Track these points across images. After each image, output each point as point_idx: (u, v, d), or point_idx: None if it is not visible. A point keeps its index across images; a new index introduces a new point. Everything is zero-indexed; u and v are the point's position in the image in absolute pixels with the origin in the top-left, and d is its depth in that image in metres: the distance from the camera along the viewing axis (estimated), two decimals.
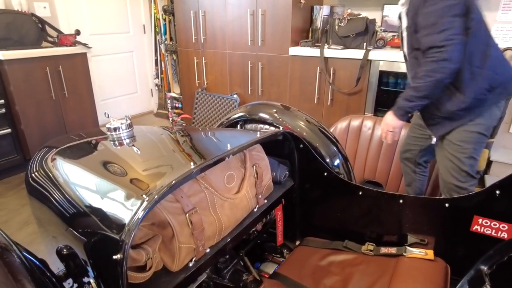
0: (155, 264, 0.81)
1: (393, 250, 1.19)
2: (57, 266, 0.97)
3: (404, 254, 1.16)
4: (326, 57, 2.67)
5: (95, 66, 3.78)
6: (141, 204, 0.70)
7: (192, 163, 0.85)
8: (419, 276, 1.07)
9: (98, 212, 0.80)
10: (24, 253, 0.93)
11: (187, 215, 0.84)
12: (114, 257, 0.65)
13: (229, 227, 0.98)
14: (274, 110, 1.43)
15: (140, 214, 0.68)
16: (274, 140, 1.23)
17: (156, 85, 4.60)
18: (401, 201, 1.16)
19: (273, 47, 2.98)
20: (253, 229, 1.21)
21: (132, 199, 0.74)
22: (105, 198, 0.83)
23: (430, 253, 1.14)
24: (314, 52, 2.73)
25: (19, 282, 0.60)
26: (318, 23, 2.90)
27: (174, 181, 0.76)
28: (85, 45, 3.07)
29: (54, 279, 0.96)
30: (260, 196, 1.13)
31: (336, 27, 2.64)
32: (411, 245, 1.19)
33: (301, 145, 1.29)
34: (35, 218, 1.23)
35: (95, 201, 0.84)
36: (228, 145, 0.95)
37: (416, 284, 1.03)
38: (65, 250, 0.86)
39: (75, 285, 0.96)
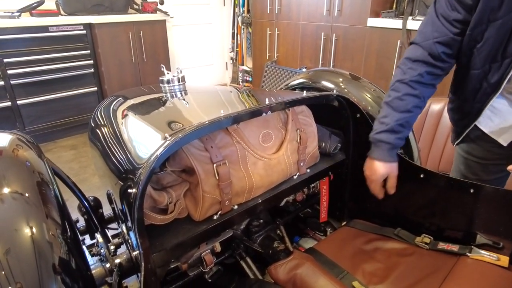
0: (177, 210, 0.80)
1: (454, 247, 1.00)
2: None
3: (468, 254, 0.97)
4: (408, 30, 2.38)
5: (174, 34, 3.96)
6: (163, 143, 0.68)
7: (223, 112, 0.80)
8: (483, 283, 0.88)
9: (128, 151, 0.82)
10: (77, 192, 1.02)
11: (214, 165, 0.80)
12: (129, 190, 0.65)
13: (262, 187, 0.93)
14: (341, 79, 1.24)
15: (159, 151, 0.66)
16: (329, 108, 1.11)
17: (231, 58, 4.66)
18: (472, 190, 0.96)
19: (350, 18, 2.74)
20: (292, 197, 1.13)
21: (158, 139, 0.74)
22: (136, 140, 0.85)
23: (504, 260, 0.93)
24: (396, 23, 2.44)
25: (47, 208, 0.68)
26: None
27: (200, 126, 0.72)
28: (165, 13, 3.23)
29: (96, 219, 1.03)
30: (302, 164, 1.04)
31: None
32: (479, 246, 0.98)
33: (358, 115, 1.14)
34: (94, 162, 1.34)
35: (128, 141, 0.86)
36: (267, 101, 0.87)
37: None
38: (110, 195, 0.91)
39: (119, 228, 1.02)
